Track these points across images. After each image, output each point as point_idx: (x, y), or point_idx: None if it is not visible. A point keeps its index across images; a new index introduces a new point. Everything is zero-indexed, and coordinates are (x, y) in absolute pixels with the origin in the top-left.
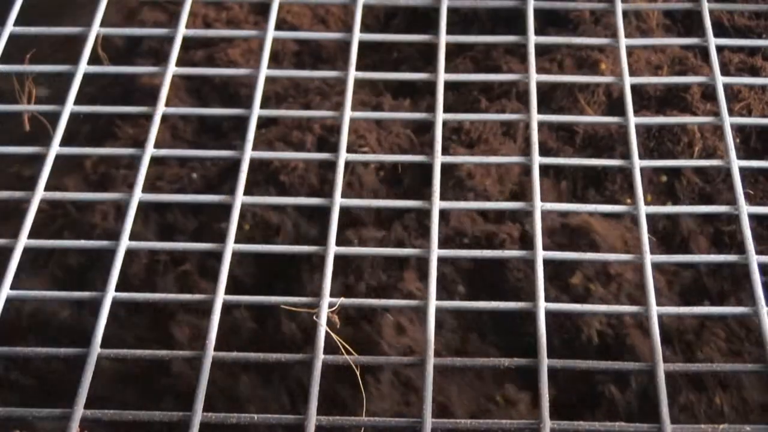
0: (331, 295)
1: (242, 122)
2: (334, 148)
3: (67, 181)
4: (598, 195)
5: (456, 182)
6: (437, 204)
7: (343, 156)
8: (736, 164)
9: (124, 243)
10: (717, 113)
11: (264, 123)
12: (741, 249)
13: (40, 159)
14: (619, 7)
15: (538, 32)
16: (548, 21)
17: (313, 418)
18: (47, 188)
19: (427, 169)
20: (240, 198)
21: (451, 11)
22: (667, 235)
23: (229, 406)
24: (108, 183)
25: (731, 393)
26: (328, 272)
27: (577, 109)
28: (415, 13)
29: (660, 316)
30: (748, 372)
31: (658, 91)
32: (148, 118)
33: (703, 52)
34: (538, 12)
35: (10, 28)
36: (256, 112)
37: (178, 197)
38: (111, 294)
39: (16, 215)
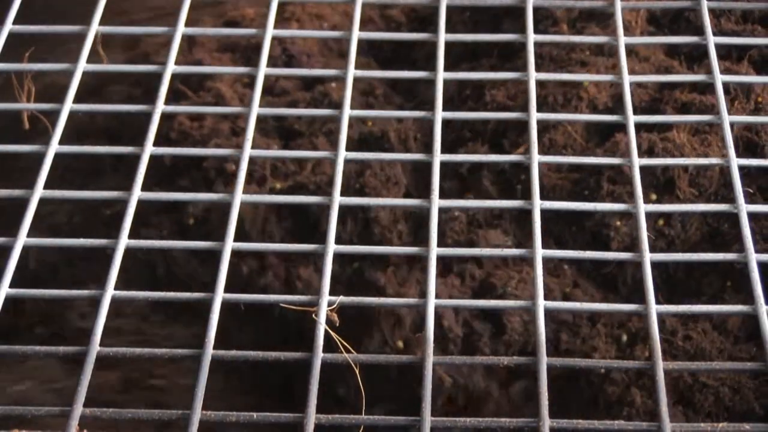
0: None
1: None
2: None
3: None
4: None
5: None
6: (436, 203)
7: (342, 154)
8: (735, 162)
9: (123, 241)
10: (698, 132)
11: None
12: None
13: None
14: (618, 5)
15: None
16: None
17: (312, 417)
18: None
19: None
20: (239, 196)
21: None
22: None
23: None
24: None
25: None
26: (327, 271)
27: (561, 125)
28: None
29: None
30: (748, 371)
31: (644, 102)
32: (147, 116)
33: (689, 59)
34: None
35: (9, 26)
36: (255, 110)
37: (178, 195)
38: (110, 292)
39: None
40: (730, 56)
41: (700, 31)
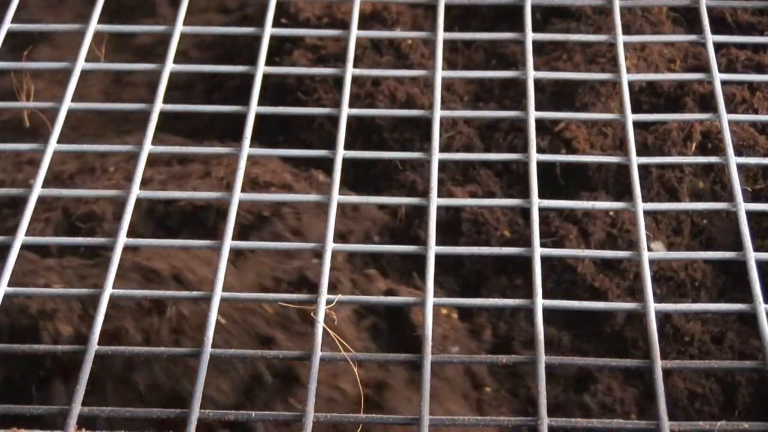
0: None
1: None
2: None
3: None
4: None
5: None
6: (434, 201)
7: (341, 153)
8: (734, 161)
9: (122, 240)
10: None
11: None
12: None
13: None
14: (617, 4)
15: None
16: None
17: (311, 415)
18: None
19: None
20: (238, 195)
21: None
22: None
23: None
24: None
25: None
26: (326, 269)
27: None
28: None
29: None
30: (747, 369)
31: (658, 98)
32: (146, 115)
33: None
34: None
35: (8, 24)
36: (254, 109)
37: (176, 194)
38: (109, 291)
39: None
40: (748, 45)
41: (719, 24)
